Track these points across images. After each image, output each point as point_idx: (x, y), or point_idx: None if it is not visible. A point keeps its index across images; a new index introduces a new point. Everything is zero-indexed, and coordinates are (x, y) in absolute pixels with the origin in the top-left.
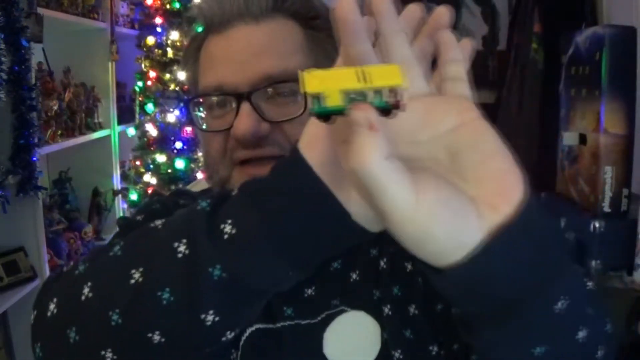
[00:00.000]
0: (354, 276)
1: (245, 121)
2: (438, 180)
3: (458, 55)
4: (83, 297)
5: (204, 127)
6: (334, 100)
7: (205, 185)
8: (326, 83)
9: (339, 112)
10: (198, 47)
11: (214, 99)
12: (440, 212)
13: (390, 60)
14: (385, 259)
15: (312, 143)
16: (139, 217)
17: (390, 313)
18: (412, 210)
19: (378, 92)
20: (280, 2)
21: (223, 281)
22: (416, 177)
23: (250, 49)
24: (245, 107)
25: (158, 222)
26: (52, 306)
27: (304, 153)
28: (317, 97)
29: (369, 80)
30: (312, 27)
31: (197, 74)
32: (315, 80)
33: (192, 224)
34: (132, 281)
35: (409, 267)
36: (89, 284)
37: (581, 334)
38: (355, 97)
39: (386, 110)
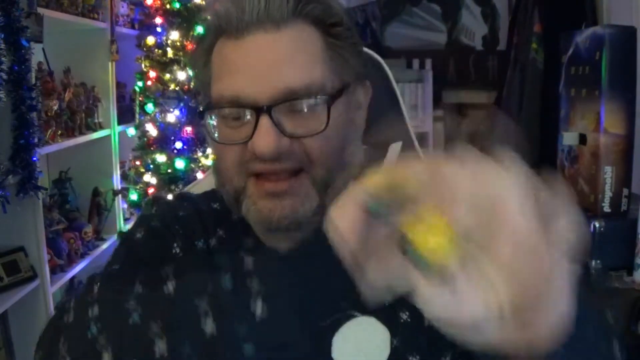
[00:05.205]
0: None
1: (265, 137)
2: None
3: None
4: None
5: (216, 135)
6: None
7: (205, 186)
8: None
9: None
10: (208, 49)
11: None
12: None
13: None
14: None
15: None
16: (138, 235)
17: (409, 320)
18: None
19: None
20: (302, 7)
21: (254, 357)
22: None
23: (270, 59)
24: (265, 121)
25: (172, 286)
26: None
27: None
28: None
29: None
30: (332, 34)
31: (208, 78)
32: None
33: (217, 300)
34: (157, 352)
35: None
36: (109, 350)
37: None
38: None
39: None
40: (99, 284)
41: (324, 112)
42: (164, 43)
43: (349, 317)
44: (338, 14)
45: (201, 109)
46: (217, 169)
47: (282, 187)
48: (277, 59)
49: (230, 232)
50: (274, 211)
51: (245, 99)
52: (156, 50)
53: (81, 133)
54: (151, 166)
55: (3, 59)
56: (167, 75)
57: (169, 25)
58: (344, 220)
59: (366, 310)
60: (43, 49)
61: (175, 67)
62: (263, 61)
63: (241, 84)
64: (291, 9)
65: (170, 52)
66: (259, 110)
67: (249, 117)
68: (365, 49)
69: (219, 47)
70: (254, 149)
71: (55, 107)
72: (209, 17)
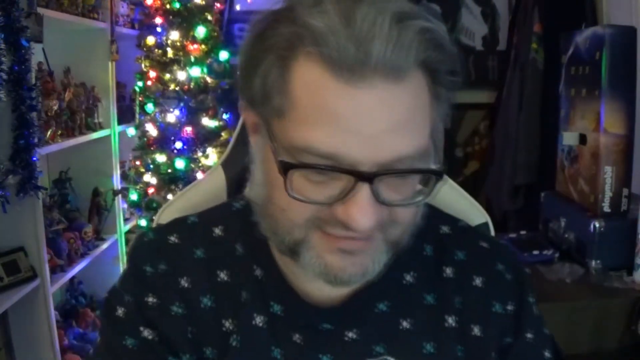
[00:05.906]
0: (405, 324)
1: (366, 211)
2: None
3: None
4: None
5: (293, 191)
6: None
7: (205, 187)
8: None
9: None
10: (284, 65)
11: (316, 159)
12: None
13: None
14: (453, 316)
15: None
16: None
17: None
18: None
19: None
20: (424, 54)
21: None
22: None
23: (387, 122)
24: (366, 191)
25: None
26: None
27: None
28: None
29: None
30: (440, 83)
31: (285, 105)
32: None
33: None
34: None
35: (476, 331)
36: None
37: None
38: None
39: None
40: None
41: (417, 178)
42: (164, 43)
43: None
44: (454, 61)
45: (286, 164)
46: (270, 214)
47: (357, 246)
48: (394, 123)
49: (234, 273)
50: (346, 269)
51: (347, 161)
52: (156, 50)
53: (81, 133)
54: (151, 166)
55: (3, 59)
56: (167, 75)
57: (169, 25)
58: None
59: (402, 356)
60: (43, 49)
61: (175, 67)
62: (378, 123)
63: (347, 144)
64: (413, 56)
65: (170, 52)
66: (360, 177)
67: (340, 176)
68: None
69: (317, 82)
70: (348, 222)
71: (55, 107)
72: (297, 27)
